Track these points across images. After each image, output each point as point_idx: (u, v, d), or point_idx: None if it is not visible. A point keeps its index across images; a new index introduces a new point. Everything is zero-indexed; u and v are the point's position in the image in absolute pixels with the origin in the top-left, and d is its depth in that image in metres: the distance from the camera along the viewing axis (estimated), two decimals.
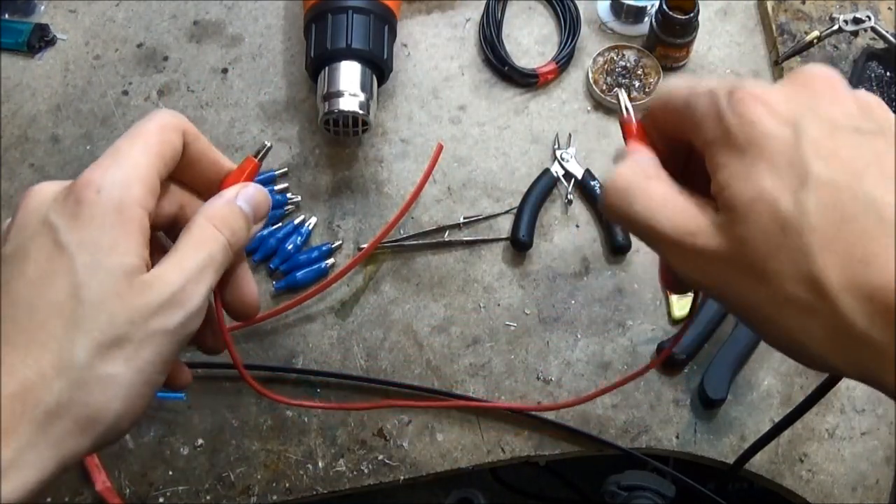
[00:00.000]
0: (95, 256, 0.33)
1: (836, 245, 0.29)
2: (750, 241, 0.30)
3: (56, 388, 0.31)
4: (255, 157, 0.42)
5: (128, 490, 0.65)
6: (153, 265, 0.35)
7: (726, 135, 0.31)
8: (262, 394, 0.55)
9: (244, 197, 0.39)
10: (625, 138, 0.39)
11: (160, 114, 0.38)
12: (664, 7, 0.77)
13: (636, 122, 0.39)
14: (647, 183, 0.34)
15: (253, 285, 0.42)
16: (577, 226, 0.75)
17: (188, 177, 0.40)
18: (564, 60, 0.81)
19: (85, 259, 0.33)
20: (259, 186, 0.40)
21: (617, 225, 0.38)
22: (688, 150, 0.37)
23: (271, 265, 0.72)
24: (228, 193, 0.39)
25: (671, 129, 0.36)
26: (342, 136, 0.76)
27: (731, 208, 0.31)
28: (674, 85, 0.36)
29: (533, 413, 0.67)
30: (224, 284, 0.41)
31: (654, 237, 0.34)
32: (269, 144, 0.42)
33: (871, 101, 0.33)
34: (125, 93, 0.80)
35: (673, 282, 0.40)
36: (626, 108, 0.39)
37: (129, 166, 0.35)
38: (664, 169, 0.36)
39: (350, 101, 0.71)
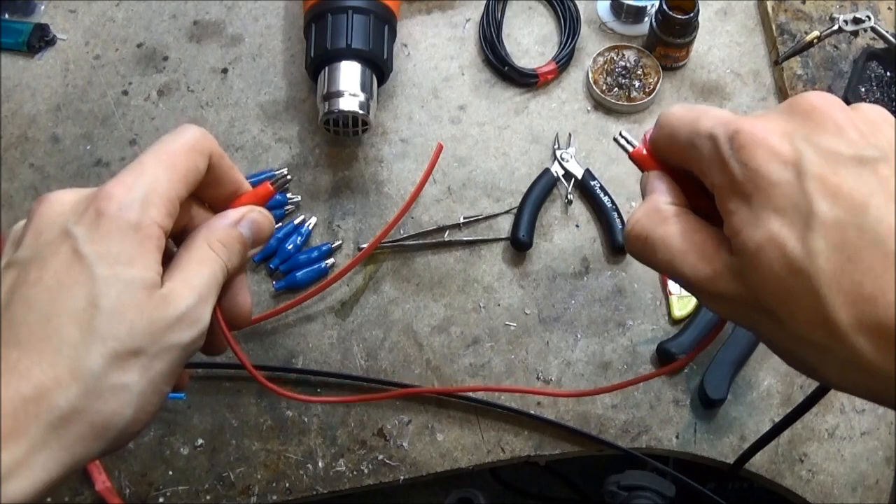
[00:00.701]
0: (114, 269, 0.33)
1: (844, 285, 0.29)
2: (762, 287, 0.31)
3: (71, 394, 0.32)
4: (273, 184, 0.42)
5: (128, 490, 0.65)
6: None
7: (732, 182, 0.32)
8: (281, 394, 0.54)
9: (247, 222, 0.39)
10: (640, 168, 0.40)
11: (190, 132, 0.38)
12: (664, 7, 0.77)
13: (646, 148, 0.39)
14: (663, 229, 0.36)
15: (247, 297, 0.42)
16: (577, 226, 0.75)
17: (206, 194, 0.40)
18: (564, 60, 0.81)
19: (104, 270, 0.33)
20: (264, 212, 0.41)
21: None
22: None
23: (271, 265, 0.72)
24: (233, 215, 0.40)
25: (677, 160, 0.37)
26: (342, 136, 0.76)
27: (743, 253, 0.32)
28: (674, 115, 0.37)
29: (533, 413, 0.67)
30: (221, 294, 0.41)
31: (679, 280, 0.35)
32: (288, 176, 0.43)
33: (874, 117, 0.33)
34: (125, 93, 0.80)
35: None
36: (630, 143, 0.40)
37: (151, 186, 0.35)
38: (679, 192, 0.37)
39: (350, 101, 0.71)
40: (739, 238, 0.32)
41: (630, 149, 0.40)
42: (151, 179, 0.35)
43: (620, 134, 0.41)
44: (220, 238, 0.38)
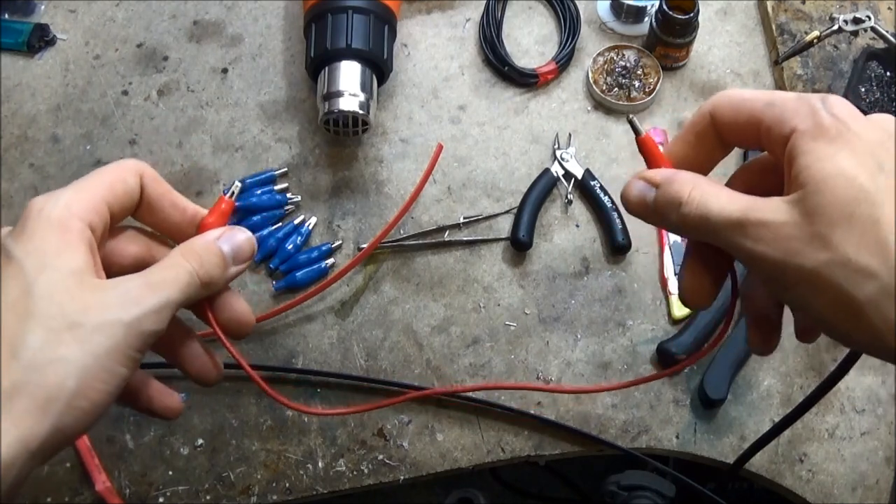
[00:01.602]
0: (42, 260, 0.36)
1: None
2: (822, 209, 0.33)
3: (12, 372, 0.34)
4: (226, 195, 0.44)
5: (128, 490, 0.65)
6: None
7: (818, 126, 0.35)
8: (282, 402, 0.54)
9: (226, 239, 0.41)
10: (645, 156, 0.41)
11: (121, 160, 0.41)
12: (664, 7, 0.77)
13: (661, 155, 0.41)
14: (698, 180, 0.38)
15: (244, 306, 0.44)
16: (577, 226, 0.75)
17: (155, 220, 0.43)
18: (564, 60, 0.81)
19: (33, 263, 0.36)
20: (244, 231, 0.42)
21: (670, 226, 0.39)
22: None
23: (271, 265, 0.72)
24: (213, 233, 0.42)
25: (737, 127, 0.39)
26: (342, 136, 0.76)
27: (808, 182, 0.34)
28: (741, 91, 0.39)
29: (533, 413, 0.67)
30: (213, 306, 0.43)
31: (719, 224, 0.36)
32: (239, 184, 0.45)
33: None
34: (125, 93, 0.80)
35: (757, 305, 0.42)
36: (638, 131, 0.41)
37: (74, 191, 0.38)
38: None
39: (350, 100, 0.71)
40: (809, 170, 0.34)
41: (643, 132, 0.41)
42: (74, 187, 0.39)
43: (631, 119, 0.42)
44: (194, 248, 0.40)
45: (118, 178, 0.40)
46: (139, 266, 0.41)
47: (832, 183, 0.33)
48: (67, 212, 0.37)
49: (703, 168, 0.41)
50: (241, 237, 0.42)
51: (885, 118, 0.36)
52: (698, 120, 0.40)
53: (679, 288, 0.42)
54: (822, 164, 0.34)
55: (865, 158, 0.33)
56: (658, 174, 0.39)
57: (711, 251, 0.39)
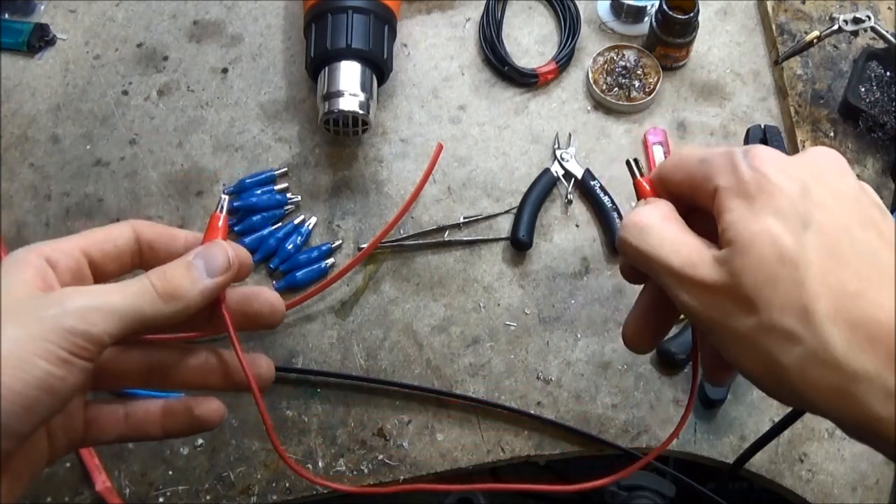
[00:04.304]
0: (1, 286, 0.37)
1: (829, 279, 0.32)
2: (747, 272, 0.33)
3: None
4: (218, 210, 0.44)
5: (128, 490, 0.65)
6: None
7: (740, 183, 0.35)
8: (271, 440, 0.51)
9: (198, 251, 0.41)
10: (640, 196, 0.42)
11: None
12: (664, 7, 0.77)
13: (647, 180, 0.42)
14: (661, 223, 0.38)
15: (269, 296, 0.43)
16: (577, 226, 0.75)
17: (162, 259, 0.42)
18: (564, 60, 0.81)
19: None
20: (224, 244, 0.42)
21: (627, 259, 0.40)
22: (686, 210, 0.40)
23: (271, 265, 0.72)
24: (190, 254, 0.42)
25: (678, 185, 0.39)
26: (342, 136, 0.76)
27: (734, 242, 0.34)
28: (688, 149, 0.39)
29: (533, 413, 0.67)
30: (242, 300, 0.43)
31: (661, 268, 0.36)
32: (225, 196, 0.45)
33: (869, 189, 0.36)
34: (125, 93, 0.80)
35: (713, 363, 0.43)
36: (640, 171, 0.42)
37: (51, 242, 0.40)
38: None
39: (350, 100, 0.71)
40: (734, 229, 0.34)
41: (639, 177, 0.42)
42: (53, 241, 0.40)
43: (635, 161, 0.43)
44: (162, 265, 0.41)
45: (100, 230, 0.41)
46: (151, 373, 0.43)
47: (757, 242, 0.33)
48: (27, 252, 0.39)
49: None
50: (215, 249, 0.41)
51: (817, 155, 0.36)
52: (653, 177, 0.41)
53: (623, 328, 0.42)
54: (745, 224, 0.33)
55: (789, 216, 0.33)
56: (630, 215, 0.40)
57: (664, 300, 0.39)
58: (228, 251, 0.42)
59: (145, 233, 0.42)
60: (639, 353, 0.46)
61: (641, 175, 0.42)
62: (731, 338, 0.34)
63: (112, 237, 0.42)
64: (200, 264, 0.41)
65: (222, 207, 0.44)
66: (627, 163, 0.43)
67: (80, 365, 0.36)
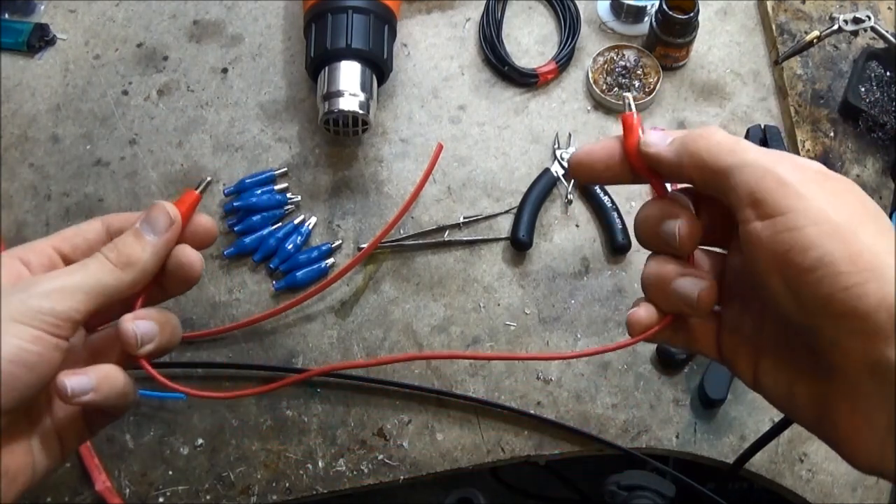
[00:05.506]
0: None
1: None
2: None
3: None
4: (198, 189, 0.46)
5: (128, 490, 0.65)
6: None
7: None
8: (172, 388, 0.49)
9: (139, 217, 0.44)
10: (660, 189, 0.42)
11: None
12: (664, 7, 0.77)
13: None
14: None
15: (190, 255, 0.45)
16: (577, 225, 0.75)
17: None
18: (564, 60, 0.81)
19: None
20: (159, 204, 0.44)
21: (670, 163, 0.40)
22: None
23: (271, 265, 0.72)
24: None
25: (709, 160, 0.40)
26: (342, 136, 0.76)
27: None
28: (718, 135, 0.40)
29: (533, 413, 0.67)
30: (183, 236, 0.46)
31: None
32: (209, 179, 0.48)
33: None
34: (125, 92, 0.80)
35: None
36: (630, 108, 0.42)
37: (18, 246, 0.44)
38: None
39: (350, 100, 0.71)
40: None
41: (627, 111, 0.41)
42: (26, 244, 0.44)
43: (630, 100, 0.42)
44: (114, 241, 0.44)
45: (71, 228, 0.45)
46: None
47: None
48: (3, 256, 0.42)
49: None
50: (155, 211, 0.44)
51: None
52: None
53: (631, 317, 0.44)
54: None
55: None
56: (669, 133, 0.40)
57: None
58: (168, 209, 0.44)
59: (114, 223, 0.45)
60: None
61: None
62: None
63: (81, 231, 0.45)
64: (146, 227, 0.44)
65: (203, 188, 0.46)
66: (624, 99, 0.43)
67: (53, 342, 0.39)
